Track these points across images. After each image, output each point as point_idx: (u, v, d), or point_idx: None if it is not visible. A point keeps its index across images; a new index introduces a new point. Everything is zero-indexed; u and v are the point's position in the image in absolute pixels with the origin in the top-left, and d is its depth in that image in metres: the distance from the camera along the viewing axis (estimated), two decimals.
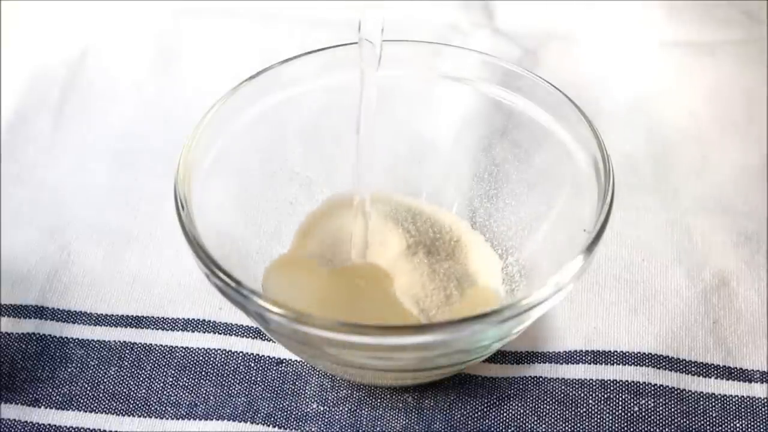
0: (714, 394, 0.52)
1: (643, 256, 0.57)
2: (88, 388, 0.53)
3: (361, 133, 0.52)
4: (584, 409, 0.52)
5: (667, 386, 0.52)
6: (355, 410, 0.52)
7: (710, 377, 0.53)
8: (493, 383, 0.53)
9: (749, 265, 0.57)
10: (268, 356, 0.54)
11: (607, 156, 0.50)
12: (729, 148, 0.64)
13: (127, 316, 0.55)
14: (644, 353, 0.53)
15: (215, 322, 0.55)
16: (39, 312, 0.55)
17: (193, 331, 0.55)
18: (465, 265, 0.54)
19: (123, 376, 0.53)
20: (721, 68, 0.68)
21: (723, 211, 0.60)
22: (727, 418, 0.51)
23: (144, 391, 0.53)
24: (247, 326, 0.55)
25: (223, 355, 0.54)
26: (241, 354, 0.54)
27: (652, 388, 0.52)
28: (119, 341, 0.54)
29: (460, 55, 0.56)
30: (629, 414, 0.51)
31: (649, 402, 0.52)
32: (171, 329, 0.55)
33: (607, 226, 0.48)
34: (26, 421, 0.51)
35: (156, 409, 0.52)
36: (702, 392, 0.52)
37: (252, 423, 0.51)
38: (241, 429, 0.51)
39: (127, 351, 0.54)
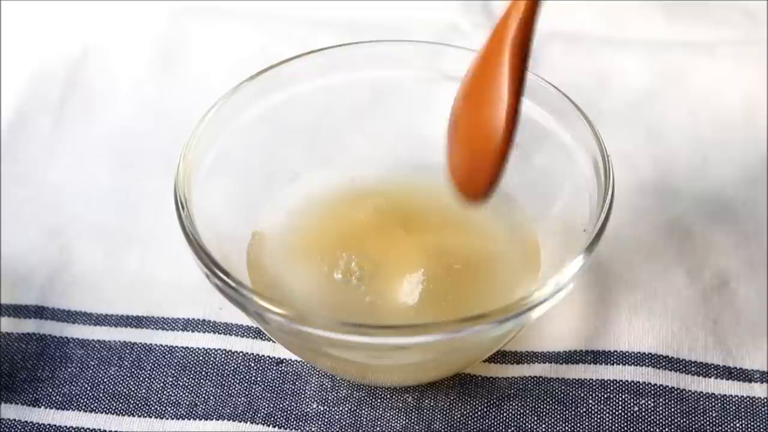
0: (714, 394, 0.52)
1: (643, 256, 0.57)
2: (88, 388, 0.53)
3: None
4: (584, 409, 0.52)
5: (667, 386, 0.52)
6: (355, 410, 0.52)
7: (710, 377, 0.53)
8: (493, 383, 0.53)
9: (749, 265, 0.57)
10: (268, 356, 0.54)
11: (607, 156, 0.50)
12: (729, 148, 0.64)
13: (127, 316, 0.55)
14: (644, 353, 0.53)
15: (215, 322, 0.55)
16: (39, 312, 0.55)
17: (193, 331, 0.55)
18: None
19: (123, 376, 0.53)
20: (720, 68, 0.68)
21: (723, 211, 0.60)
22: (727, 418, 0.51)
23: (144, 391, 0.53)
24: (247, 326, 0.55)
25: (223, 355, 0.54)
26: (241, 354, 0.54)
27: (652, 388, 0.52)
28: (119, 341, 0.54)
29: (460, 55, 0.55)
30: (629, 414, 0.52)
31: (649, 402, 0.52)
32: (171, 329, 0.55)
33: (607, 226, 0.48)
34: (26, 421, 0.51)
35: (156, 409, 0.52)
36: (702, 392, 0.52)
37: (252, 423, 0.51)
38: (241, 429, 0.51)
39: (127, 351, 0.54)
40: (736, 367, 0.53)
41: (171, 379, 0.53)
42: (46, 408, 0.52)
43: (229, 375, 0.53)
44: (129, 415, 0.52)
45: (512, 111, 0.46)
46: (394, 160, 0.55)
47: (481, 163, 0.47)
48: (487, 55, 0.47)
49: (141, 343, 0.54)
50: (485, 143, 0.47)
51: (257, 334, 0.54)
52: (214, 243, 0.48)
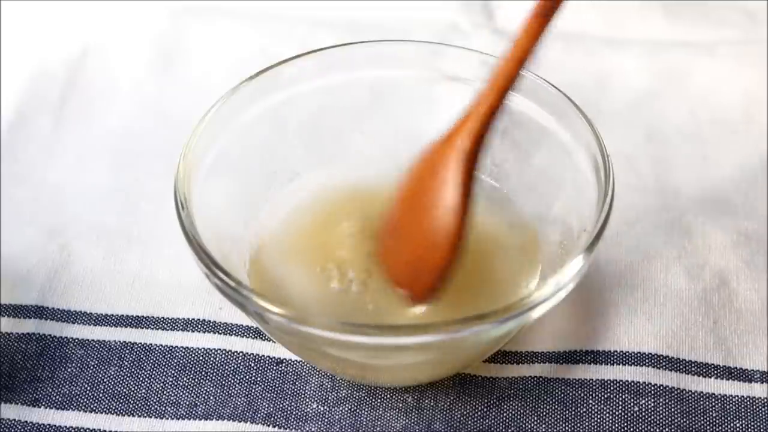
0: (714, 394, 0.52)
1: (643, 256, 0.57)
2: (88, 388, 0.53)
3: None
4: (584, 409, 0.52)
5: (667, 386, 0.52)
6: (355, 410, 0.52)
7: (710, 377, 0.53)
8: (493, 383, 0.53)
9: (749, 265, 0.57)
10: (268, 356, 0.54)
11: (607, 156, 0.50)
12: (729, 148, 0.64)
13: (127, 316, 0.55)
14: (644, 353, 0.53)
15: (215, 322, 0.55)
16: (39, 312, 0.55)
17: (193, 331, 0.55)
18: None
19: (123, 376, 0.53)
20: (720, 68, 0.68)
21: (723, 211, 0.60)
22: (727, 418, 0.52)
23: (144, 391, 0.53)
24: (247, 326, 0.55)
25: (223, 355, 0.54)
26: (241, 354, 0.54)
27: (652, 388, 0.52)
28: (119, 341, 0.54)
29: (460, 55, 0.56)
30: (629, 414, 0.52)
31: (649, 402, 0.52)
32: (171, 329, 0.55)
33: (607, 226, 0.48)
34: (26, 421, 0.51)
35: (156, 409, 0.52)
36: (702, 392, 0.52)
37: (252, 423, 0.51)
38: (241, 429, 0.51)
39: (127, 351, 0.54)
40: (736, 367, 0.53)
41: (171, 379, 0.53)
42: (46, 408, 0.52)
43: (229, 375, 0.53)
44: (129, 415, 0.52)
45: (461, 222, 0.46)
46: (394, 160, 0.55)
47: (426, 273, 0.48)
48: (435, 163, 0.47)
49: (141, 343, 0.54)
50: (432, 252, 0.47)
51: (257, 334, 0.54)
52: (214, 243, 0.48)
